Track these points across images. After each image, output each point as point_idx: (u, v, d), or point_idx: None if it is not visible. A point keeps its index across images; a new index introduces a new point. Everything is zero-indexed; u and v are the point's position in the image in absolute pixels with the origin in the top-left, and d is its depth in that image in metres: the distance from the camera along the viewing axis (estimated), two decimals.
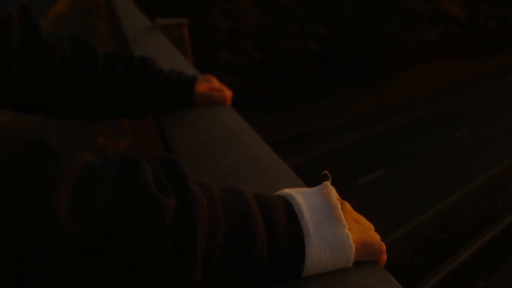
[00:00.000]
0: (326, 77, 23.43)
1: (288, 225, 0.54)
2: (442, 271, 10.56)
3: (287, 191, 0.60)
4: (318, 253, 0.54)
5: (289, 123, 19.76)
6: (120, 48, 3.18)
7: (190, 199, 0.50)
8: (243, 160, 0.88)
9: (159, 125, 1.21)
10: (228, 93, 1.25)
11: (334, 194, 0.59)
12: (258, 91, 21.55)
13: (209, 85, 1.22)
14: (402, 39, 25.74)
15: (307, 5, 23.70)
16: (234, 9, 21.48)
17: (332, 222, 0.56)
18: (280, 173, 0.81)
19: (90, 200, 0.46)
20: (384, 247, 0.59)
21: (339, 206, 0.57)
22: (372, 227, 0.63)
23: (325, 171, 0.62)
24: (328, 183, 0.60)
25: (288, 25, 22.98)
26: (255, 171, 0.84)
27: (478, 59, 28.32)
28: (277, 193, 0.61)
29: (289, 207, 0.56)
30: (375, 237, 0.60)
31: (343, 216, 0.56)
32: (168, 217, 0.47)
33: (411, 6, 25.55)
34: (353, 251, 0.55)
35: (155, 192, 0.48)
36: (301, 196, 0.58)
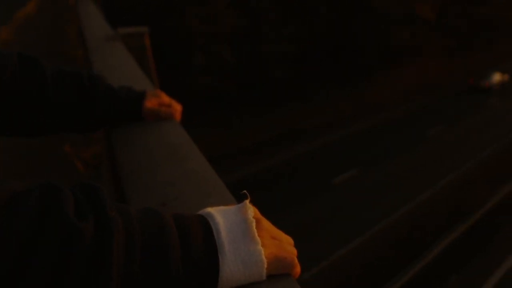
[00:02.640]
0: (302, 79, 23.61)
1: (203, 242, 0.59)
2: (414, 267, 10.76)
3: (208, 210, 0.65)
4: (232, 268, 0.59)
5: (266, 124, 19.84)
6: (86, 54, 3.17)
7: (107, 223, 0.54)
8: (181, 176, 0.92)
9: (108, 139, 1.24)
10: (177, 108, 1.28)
11: (251, 212, 0.63)
12: (234, 93, 21.57)
13: (158, 100, 1.25)
14: (376, 40, 26.11)
15: (283, 7, 23.82)
16: (209, 12, 21.45)
17: (246, 239, 0.60)
18: (214, 189, 0.85)
19: (11, 227, 0.49)
20: (295, 261, 0.64)
21: (253, 224, 0.62)
22: (291, 241, 0.67)
23: (244, 191, 0.66)
24: (247, 202, 0.65)
25: (263, 27, 23.07)
26: (190, 187, 0.87)
27: (449, 58, 28.93)
28: (199, 212, 0.65)
29: (206, 226, 0.61)
30: (289, 251, 0.64)
31: (256, 234, 0.61)
32: (85, 241, 0.51)
33: (384, 7, 25.94)
34: (265, 266, 0.60)
35: (73, 218, 0.52)
36: (221, 215, 0.63)
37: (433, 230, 12.17)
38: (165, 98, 1.28)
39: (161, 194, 0.87)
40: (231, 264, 0.59)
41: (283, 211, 12.91)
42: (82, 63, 3.67)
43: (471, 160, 16.10)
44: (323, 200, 13.51)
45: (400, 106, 21.90)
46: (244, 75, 22.25)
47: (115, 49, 2.18)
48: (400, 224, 12.42)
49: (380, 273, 10.59)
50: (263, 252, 0.60)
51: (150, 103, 1.23)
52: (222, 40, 21.72)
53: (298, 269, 0.64)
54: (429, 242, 11.67)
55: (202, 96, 20.68)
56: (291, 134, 18.74)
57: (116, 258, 0.53)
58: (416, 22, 27.44)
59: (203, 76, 20.68)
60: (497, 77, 25.01)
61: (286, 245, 0.65)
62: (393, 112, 21.14)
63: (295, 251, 0.66)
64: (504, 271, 10.55)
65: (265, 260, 0.60)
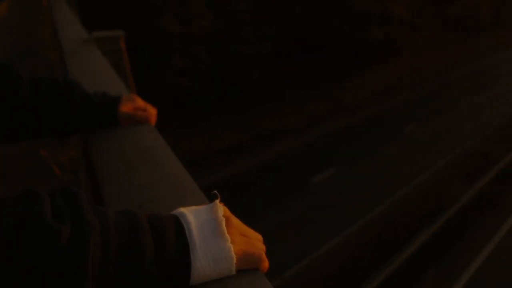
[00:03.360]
0: (279, 79, 23.72)
1: (176, 241, 0.63)
2: (392, 264, 10.94)
3: (181, 210, 0.69)
4: (203, 264, 0.63)
5: (244, 125, 19.88)
6: (60, 58, 3.16)
7: (84, 225, 0.57)
8: (157, 179, 0.95)
9: (84, 143, 1.26)
10: (152, 112, 1.31)
11: (221, 211, 0.67)
12: (212, 94, 21.55)
13: (133, 105, 1.28)
14: (352, 40, 26.40)
15: (259, 7, 23.89)
16: (185, 13, 21.39)
17: (216, 237, 0.64)
18: (188, 191, 0.89)
19: None
20: (263, 256, 0.68)
21: (223, 222, 0.66)
22: (259, 238, 0.72)
23: (215, 191, 0.71)
24: (217, 201, 0.69)
25: (240, 28, 23.10)
26: (166, 190, 0.91)
27: (422, 57, 29.46)
28: (173, 212, 0.69)
29: (179, 225, 0.65)
30: (258, 247, 0.69)
31: (226, 231, 0.65)
32: (62, 242, 0.55)
33: (360, 7, 26.24)
34: (235, 262, 0.64)
35: (50, 220, 0.55)
36: (192, 214, 0.67)
37: (410, 226, 12.39)
38: (140, 102, 1.30)
39: (137, 197, 0.91)
40: (202, 261, 0.63)
41: (263, 212, 12.98)
42: (57, 65, 3.65)
43: (446, 157, 16.43)
44: (303, 200, 13.62)
45: (376, 105, 22.19)
46: (221, 76, 22.26)
47: (90, 53, 2.20)
48: (377, 221, 12.61)
49: (359, 270, 10.73)
50: (232, 248, 0.64)
51: (125, 107, 1.26)
52: (199, 41, 21.68)
53: (266, 264, 0.69)
54: (407, 237, 11.88)
55: (180, 98, 20.62)
56: (269, 134, 18.82)
57: (92, 258, 0.56)
58: (392, 22, 27.85)
59: (180, 77, 20.61)
60: None
61: (255, 241, 0.70)
62: (369, 111, 21.40)
63: (263, 247, 0.70)
64: (478, 265, 10.82)
65: (234, 256, 0.64)
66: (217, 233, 0.65)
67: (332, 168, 15.63)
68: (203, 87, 21.35)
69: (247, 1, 23.43)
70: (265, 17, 24.03)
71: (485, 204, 13.52)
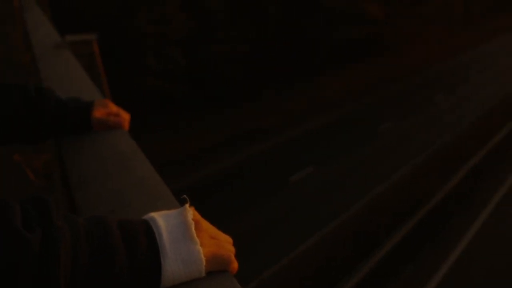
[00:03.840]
0: (254, 79, 23.77)
1: (147, 245, 0.65)
2: (371, 260, 11.08)
3: (151, 214, 0.71)
4: (173, 267, 0.65)
5: (220, 125, 19.86)
6: (31, 62, 3.12)
7: (54, 233, 0.59)
8: (129, 184, 0.97)
9: (58, 148, 1.27)
10: (125, 117, 1.32)
11: (190, 215, 0.69)
12: (187, 95, 21.46)
13: (106, 110, 1.29)
14: (326, 39, 26.63)
15: (232, 8, 23.89)
16: (159, 14, 21.24)
17: (186, 240, 0.67)
18: (160, 195, 0.91)
19: None
20: (232, 258, 0.70)
21: (193, 226, 0.68)
22: (229, 240, 0.74)
23: (184, 196, 0.73)
24: (186, 205, 0.71)
25: (213, 29, 23.06)
26: (138, 194, 0.92)
27: (396, 55, 29.91)
28: (144, 217, 0.71)
29: (149, 229, 0.67)
30: (227, 249, 0.71)
31: (195, 235, 0.67)
32: (32, 249, 0.56)
33: (333, 5, 26.46)
34: (204, 264, 0.66)
35: (21, 229, 0.57)
36: (162, 219, 0.69)
37: (388, 223, 12.57)
38: (113, 108, 1.31)
39: (110, 201, 0.92)
40: (172, 264, 0.65)
41: (241, 212, 13.00)
42: (28, 69, 3.60)
43: (421, 153, 16.73)
44: (280, 199, 13.68)
45: (351, 103, 22.43)
46: (196, 77, 22.19)
47: (62, 57, 2.18)
48: (355, 219, 12.75)
49: (338, 269, 10.84)
50: (201, 251, 0.66)
51: (98, 113, 1.27)
52: (173, 42, 21.57)
53: (235, 265, 0.71)
54: (384, 234, 12.05)
55: (155, 99, 20.48)
56: (245, 134, 18.85)
57: (63, 265, 0.58)
58: (365, 21, 28.18)
59: (155, 78, 20.48)
60: None
61: (224, 243, 0.72)
62: (344, 110, 21.62)
63: (232, 249, 0.72)
64: (456, 258, 11.06)
65: (203, 259, 0.66)
66: (186, 236, 0.67)
67: (309, 167, 15.74)
68: (179, 88, 21.26)
69: (222, 1, 23.41)
70: (240, 17, 24.05)
71: (459, 199, 13.82)
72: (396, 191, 14.30)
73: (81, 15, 18.90)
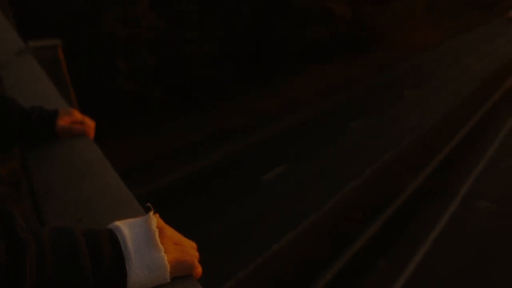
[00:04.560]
0: (225, 79, 23.75)
1: (112, 254, 0.66)
2: (345, 256, 11.24)
3: (116, 223, 0.72)
4: (138, 274, 0.67)
5: (192, 126, 19.76)
6: None
7: (18, 244, 0.60)
8: (95, 192, 0.97)
9: (23, 157, 1.26)
10: (90, 124, 1.32)
11: (154, 223, 0.71)
12: (159, 97, 21.26)
13: (70, 118, 1.29)
14: (296, 39, 26.80)
15: (204, 8, 23.79)
16: (128, 15, 20.95)
17: (150, 247, 0.69)
18: (125, 201, 0.92)
19: None
20: (196, 263, 0.73)
21: (157, 233, 0.70)
22: (193, 245, 0.77)
23: (148, 204, 0.75)
24: (151, 213, 0.73)
25: (185, 29, 22.92)
26: (104, 201, 0.93)
27: (364, 54, 30.38)
28: (109, 225, 0.72)
29: (114, 238, 0.68)
30: (191, 255, 0.73)
31: (159, 242, 0.69)
32: None
33: (301, 5, 26.65)
34: (168, 270, 0.68)
35: None
36: (127, 227, 0.71)
37: (361, 218, 12.77)
38: (78, 116, 1.31)
39: (76, 210, 0.93)
40: (137, 271, 0.67)
41: (214, 213, 12.98)
42: None
43: (392, 148, 17.05)
44: (254, 199, 13.72)
45: (321, 102, 22.66)
46: (167, 78, 22.02)
47: (26, 64, 2.16)
48: (329, 215, 12.90)
49: (314, 264, 10.95)
50: (166, 257, 0.68)
51: (62, 121, 1.27)
52: (144, 43, 21.34)
53: (199, 270, 0.73)
54: (357, 230, 12.23)
55: (126, 102, 20.23)
56: (218, 135, 18.83)
57: (29, 277, 0.59)
58: (333, 20, 28.50)
59: (126, 81, 20.22)
60: None
61: (189, 249, 0.74)
62: (314, 109, 21.82)
63: (196, 254, 0.75)
64: (426, 249, 11.33)
65: (167, 265, 0.68)
66: (151, 244, 0.69)
67: (281, 166, 15.84)
68: (150, 90, 21.04)
69: (192, 1, 23.28)
70: (211, 17, 23.97)
71: (429, 192, 14.16)
72: (368, 186, 14.52)
73: (45, 16, 18.50)
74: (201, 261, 0.74)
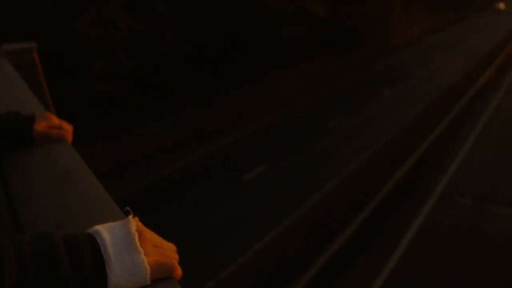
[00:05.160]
0: (202, 79, 23.67)
1: (92, 258, 0.67)
2: (325, 253, 11.32)
3: (96, 227, 0.73)
4: (118, 277, 0.68)
5: (171, 127, 19.65)
6: None
7: None
8: (74, 197, 0.98)
9: (0, 164, 1.25)
10: (68, 129, 1.31)
11: (134, 226, 0.72)
12: (136, 98, 21.06)
13: (48, 123, 1.28)
14: (272, 38, 26.86)
15: (179, 9, 23.66)
16: (103, 16, 20.68)
17: (130, 250, 0.70)
18: (104, 206, 0.93)
19: None
20: (176, 265, 0.74)
21: (136, 236, 0.71)
22: (173, 248, 0.78)
23: (127, 208, 0.76)
24: (130, 217, 0.74)
25: (160, 30, 22.75)
26: (84, 206, 0.94)
27: (342, 53, 30.65)
28: (88, 230, 0.73)
29: (94, 243, 0.69)
30: (170, 257, 0.74)
31: (139, 245, 0.70)
32: None
33: (277, 5, 26.72)
34: (148, 272, 0.69)
35: None
36: (107, 231, 0.72)
37: (341, 216, 12.88)
38: (55, 120, 1.31)
39: (56, 216, 0.93)
40: (118, 274, 0.68)
41: (195, 214, 12.93)
42: None
43: (370, 146, 17.25)
44: (234, 199, 13.72)
45: (299, 101, 22.79)
46: (144, 79, 21.83)
47: (0, 68, 2.13)
48: (309, 214, 12.99)
49: (295, 263, 11.00)
50: (145, 260, 0.70)
51: (39, 126, 1.26)
52: (119, 44, 21.10)
53: (179, 271, 0.75)
54: (338, 228, 12.34)
55: (103, 104, 19.98)
56: (195, 135, 18.77)
57: (8, 283, 0.59)
58: (310, 20, 28.66)
59: (103, 83, 19.96)
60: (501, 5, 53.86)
61: (168, 251, 0.75)
62: (292, 108, 21.94)
63: (176, 256, 0.76)
64: (405, 247, 11.49)
65: (147, 267, 0.69)
66: (130, 247, 0.70)
67: (260, 166, 15.88)
68: (127, 92, 20.83)
69: (168, 2, 23.14)
70: (187, 17, 23.85)
71: (407, 189, 14.38)
72: (347, 184, 14.66)
73: (19, 17, 18.15)
74: (181, 263, 0.75)
